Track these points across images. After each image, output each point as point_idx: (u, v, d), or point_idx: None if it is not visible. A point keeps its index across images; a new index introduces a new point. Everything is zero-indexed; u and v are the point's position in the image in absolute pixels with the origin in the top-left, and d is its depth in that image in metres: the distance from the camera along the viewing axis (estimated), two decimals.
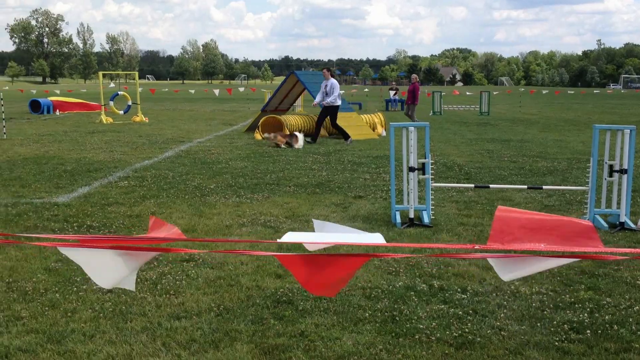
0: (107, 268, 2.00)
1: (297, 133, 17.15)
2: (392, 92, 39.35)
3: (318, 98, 18.79)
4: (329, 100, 18.25)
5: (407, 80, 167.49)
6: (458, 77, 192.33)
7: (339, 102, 18.44)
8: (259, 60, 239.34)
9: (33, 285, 5.65)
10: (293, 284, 5.73)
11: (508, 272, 2.15)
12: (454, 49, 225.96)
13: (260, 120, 19.95)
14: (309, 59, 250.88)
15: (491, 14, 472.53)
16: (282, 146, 16.79)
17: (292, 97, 22.99)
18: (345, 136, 18.51)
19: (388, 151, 15.72)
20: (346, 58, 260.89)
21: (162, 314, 5.04)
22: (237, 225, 8.06)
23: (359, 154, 15.56)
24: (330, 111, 18.42)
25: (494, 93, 45.02)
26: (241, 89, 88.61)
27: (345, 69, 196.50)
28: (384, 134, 20.85)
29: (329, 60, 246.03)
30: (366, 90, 70.43)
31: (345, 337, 4.60)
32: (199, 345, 4.48)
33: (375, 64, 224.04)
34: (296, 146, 16.81)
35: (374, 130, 20.73)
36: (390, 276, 5.95)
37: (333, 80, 18.53)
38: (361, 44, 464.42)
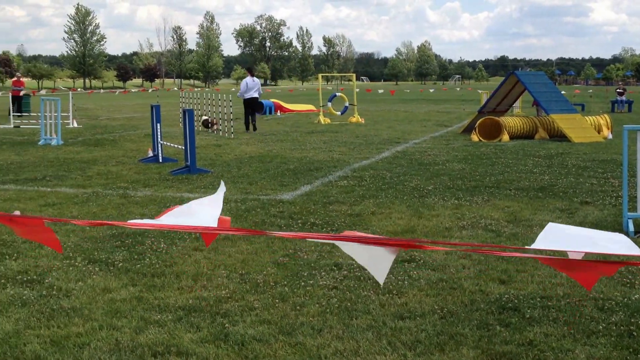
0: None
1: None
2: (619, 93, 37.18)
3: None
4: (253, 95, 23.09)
5: (634, 80, 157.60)
6: None
7: (245, 97, 23.00)
8: (473, 61, 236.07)
9: (263, 278, 5.92)
10: (518, 290, 5.56)
11: None
12: None
13: (478, 122, 19.64)
14: (527, 58, 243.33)
15: None
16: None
17: (511, 98, 22.40)
18: (247, 126, 22.49)
19: (615, 155, 14.87)
20: (567, 57, 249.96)
21: (386, 313, 5.07)
22: (457, 228, 7.96)
23: (584, 157, 14.83)
24: (246, 103, 23.02)
25: None
26: (458, 89, 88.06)
27: (565, 69, 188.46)
28: (611, 136, 19.73)
29: (548, 60, 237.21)
30: (590, 91, 66.96)
31: (578, 350, 4.37)
32: (424, 346, 4.46)
33: (598, 63, 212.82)
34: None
35: (599, 133, 19.68)
36: (624, 288, 5.59)
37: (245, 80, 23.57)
38: (583, 43, 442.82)
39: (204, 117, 23.08)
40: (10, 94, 30.23)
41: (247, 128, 22.59)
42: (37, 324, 4.93)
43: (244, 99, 23.16)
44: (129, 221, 2.27)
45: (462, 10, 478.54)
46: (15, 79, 35.26)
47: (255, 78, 23.79)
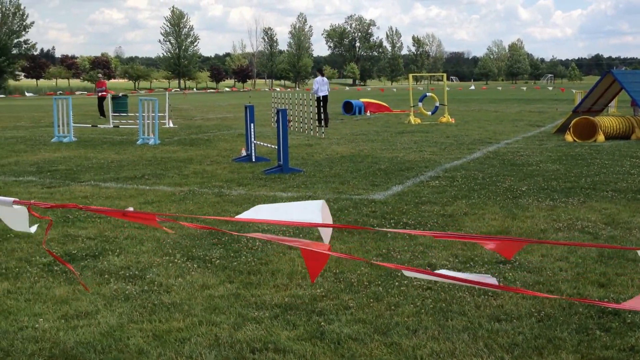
0: None
1: None
2: None
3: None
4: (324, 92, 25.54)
5: None
6: None
7: (319, 94, 25.29)
8: (566, 60, 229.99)
9: (357, 278, 5.97)
10: (618, 294, 5.43)
11: None
12: None
13: (572, 122, 19.17)
14: (622, 56, 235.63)
15: None
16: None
17: (607, 97, 21.77)
18: (319, 121, 23.64)
19: None
20: None
21: (481, 314, 5.04)
22: (553, 230, 7.81)
23: None
24: (318, 100, 25.10)
25: None
26: (550, 88, 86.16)
27: None
28: None
29: None
30: None
31: None
32: (521, 350, 4.41)
33: None
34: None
35: None
36: None
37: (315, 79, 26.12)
38: None
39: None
40: (109, 94, 31.25)
41: (320, 123, 23.76)
42: (139, 318, 5.11)
43: (317, 96, 25.33)
44: (239, 217, 2.35)
45: (554, 7, 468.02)
46: (98, 80, 36.00)
47: (324, 77, 26.38)
